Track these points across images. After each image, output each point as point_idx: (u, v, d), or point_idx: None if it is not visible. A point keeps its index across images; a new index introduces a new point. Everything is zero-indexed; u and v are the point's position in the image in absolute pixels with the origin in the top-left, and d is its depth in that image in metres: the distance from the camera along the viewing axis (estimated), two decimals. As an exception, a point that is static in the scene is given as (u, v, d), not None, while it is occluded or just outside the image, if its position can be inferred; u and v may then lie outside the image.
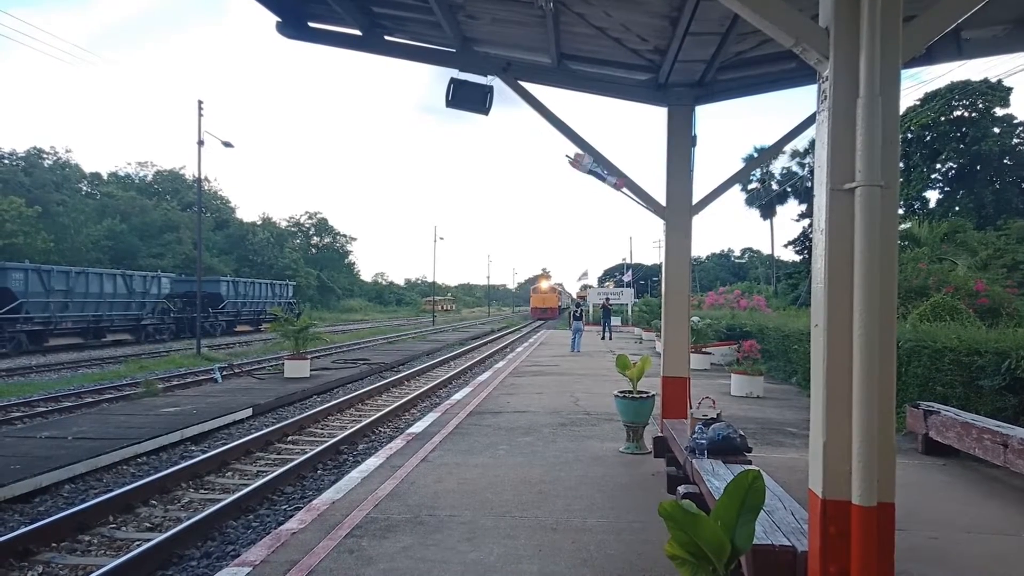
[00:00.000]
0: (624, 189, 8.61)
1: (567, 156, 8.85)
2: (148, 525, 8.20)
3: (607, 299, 46.03)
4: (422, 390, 18.78)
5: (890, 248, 3.52)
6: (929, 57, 7.22)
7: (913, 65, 7.73)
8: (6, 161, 65.09)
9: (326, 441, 12.25)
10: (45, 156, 69.29)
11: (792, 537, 4.24)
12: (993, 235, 28.62)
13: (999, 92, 42.79)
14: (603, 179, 8.91)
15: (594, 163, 8.90)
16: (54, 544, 7.41)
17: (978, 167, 43.02)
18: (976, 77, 44.22)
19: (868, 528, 3.46)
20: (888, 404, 3.52)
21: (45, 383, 20.70)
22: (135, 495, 8.85)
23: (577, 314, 31.19)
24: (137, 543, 7.41)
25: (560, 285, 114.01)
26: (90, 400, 16.84)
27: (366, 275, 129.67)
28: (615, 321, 47.90)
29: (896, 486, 3.56)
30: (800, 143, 59.21)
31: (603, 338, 38.08)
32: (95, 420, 13.39)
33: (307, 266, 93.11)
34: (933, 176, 44.93)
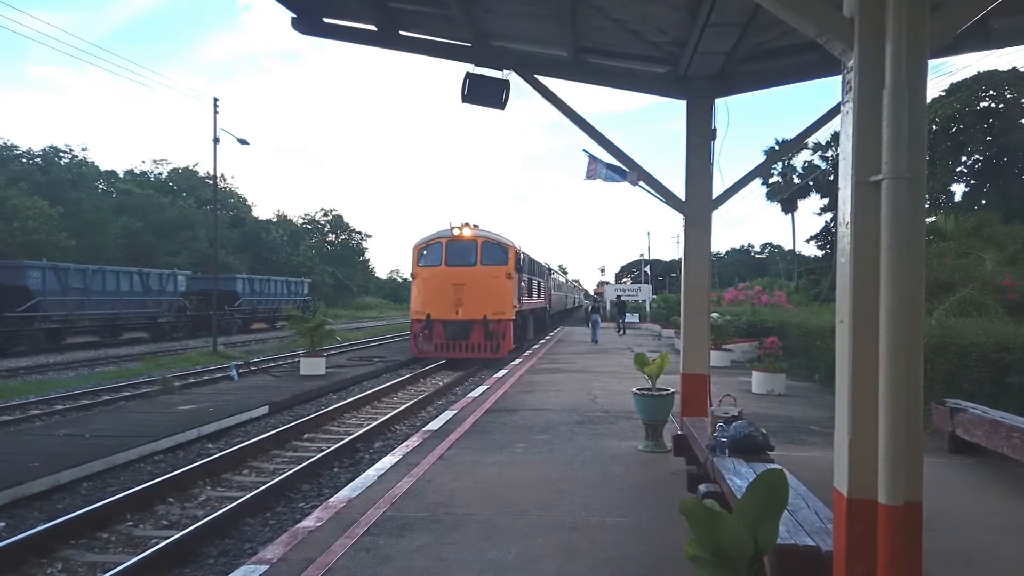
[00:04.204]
0: (641, 183, 8.54)
1: (584, 151, 8.80)
2: (165, 523, 8.21)
3: (619, 295, 48.31)
4: (438, 387, 18.77)
5: (917, 242, 3.43)
6: (956, 46, 7.08)
7: (940, 55, 7.59)
8: (23, 160, 65.60)
9: (342, 439, 12.23)
10: (62, 155, 69.79)
11: (816, 537, 4.16)
12: (1021, 229, 28.14)
13: (1028, 82, 42.14)
14: (619, 180, 8.86)
15: (609, 167, 8.84)
16: (72, 541, 7.44)
17: (1005, 159, 42.39)
18: (1004, 67, 43.66)
19: (895, 528, 3.39)
20: (915, 401, 3.44)
21: (63, 381, 20.84)
22: (152, 493, 8.87)
23: (595, 308, 35.65)
24: (155, 540, 7.41)
25: (558, 270, 62.22)
26: (107, 398, 16.92)
27: (381, 272, 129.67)
28: (634, 318, 49.39)
29: (923, 485, 3.48)
30: (822, 136, 58.76)
31: (620, 332, 39.52)
32: (112, 418, 13.44)
33: (322, 263, 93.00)
34: (959, 169, 44.30)
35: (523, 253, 28.07)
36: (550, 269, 44.02)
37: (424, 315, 24.01)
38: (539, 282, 34.90)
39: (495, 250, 24.96)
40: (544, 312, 39.00)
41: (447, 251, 24.74)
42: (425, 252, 25.10)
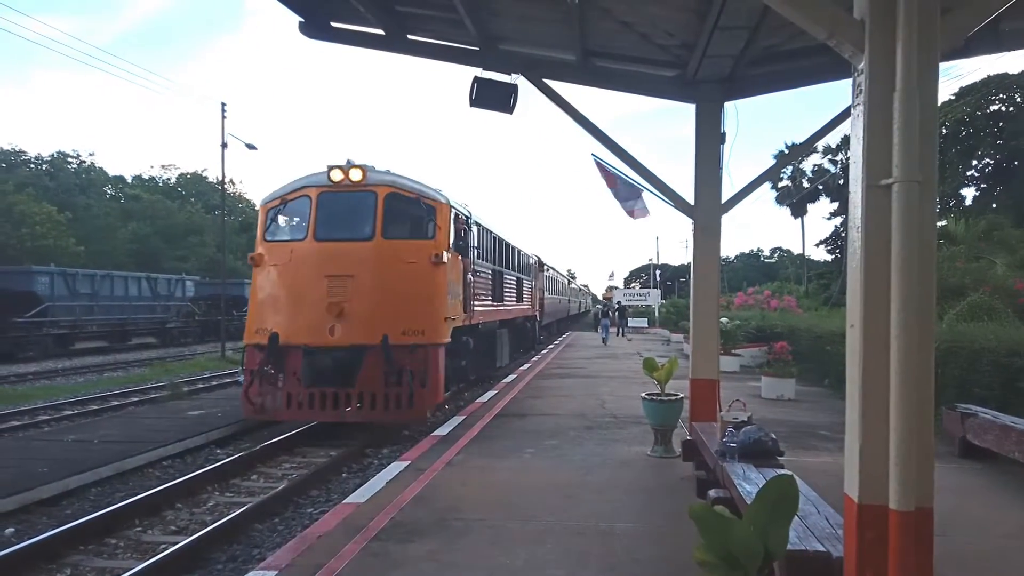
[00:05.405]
0: (649, 188, 8.56)
1: (593, 155, 8.80)
2: (174, 528, 8.20)
3: (619, 302, 50.18)
4: (445, 392, 18.68)
5: (928, 246, 3.42)
6: (967, 49, 7.05)
7: (950, 58, 7.56)
8: (32, 166, 65.94)
9: (351, 444, 12.21)
10: (70, 160, 70.13)
11: (827, 543, 4.14)
12: (1033, 232, 27.97)
13: (1039, 85, 41.91)
14: (622, 203, 8.97)
15: (621, 186, 8.94)
16: (81, 547, 7.44)
17: (1016, 162, 42.15)
18: (1014, 70, 43.47)
19: (906, 533, 3.37)
20: (926, 406, 3.43)
21: (71, 386, 20.91)
22: (161, 498, 8.87)
23: (605, 312, 38.68)
24: (163, 546, 7.39)
25: (567, 274, 64.56)
26: (115, 404, 16.95)
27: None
28: (642, 323, 51.48)
29: (934, 490, 3.46)
30: (832, 139, 58.61)
31: (620, 334, 41.68)
32: (121, 423, 13.47)
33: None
34: (969, 173, 44.09)
35: (476, 222, 16.39)
36: (541, 263, 33.08)
37: (267, 336, 12.28)
38: (519, 279, 23.93)
39: (411, 209, 13.31)
40: (531, 323, 29.07)
41: (318, 212, 12.94)
42: (280, 216, 13.76)
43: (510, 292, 22.06)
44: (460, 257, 14.28)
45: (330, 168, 12.92)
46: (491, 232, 18.78)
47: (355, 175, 12.83)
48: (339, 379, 12.16)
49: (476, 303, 15.94)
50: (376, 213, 12.76)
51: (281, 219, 13.71)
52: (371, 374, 12.02)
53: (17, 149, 66.37)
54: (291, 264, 12.77)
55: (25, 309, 29.52)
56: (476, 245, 16.24)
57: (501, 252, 20.56)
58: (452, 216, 13.78)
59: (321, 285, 12.36)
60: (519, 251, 24.71)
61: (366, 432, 12.94)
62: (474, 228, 16.03)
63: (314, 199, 12.96)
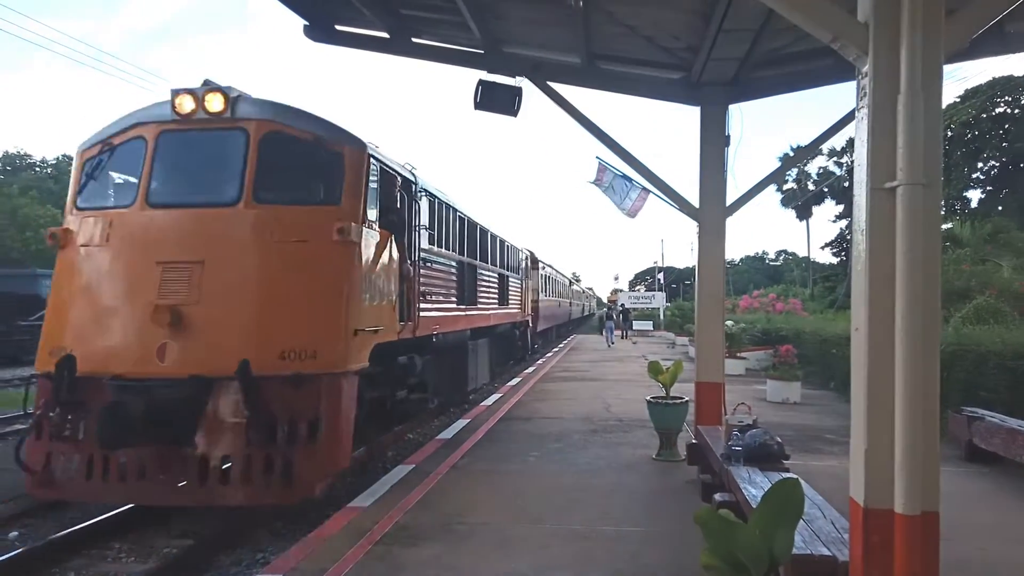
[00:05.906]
0: (653, 191, 8.57)
1: (597, 158, 8.81)
2: (178, 532, 8.17)
3: (622, 305, 53.05)
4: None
5: (933, 249, 3.41)
6: (971, 51, 7.06)
7: (955, 60, 7.55)
8: (36, 169, 66.05)
9: (356, 448, 12.15)
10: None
11: (833, 547, 4.12)
12: (1039, 235, 27.85)
13: (1044, 87, 41.77)
14: (618, 201, 8.96)
15: (616, 180, 8.93)
16: (85, 550, 7.41)
17: (1022, 165, 42.04)
18: (1019, 71, 43.34)
19: (912, 538, 3.37)
20: (932, 410, 3.42)
21: (78, 389, 20.83)
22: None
23: (610, 315, 41.13)
24: (168, 549, 7.39)
25: (572, 277, 63.39)
26: (122, 406, 16.90)
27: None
28: (648, 326, 53.02)
29: (939, 494, 3.45)
30: (837, 141, 58.42)
31: (624, 337, 43.13)
32: (127, 426, 13.41)
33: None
34: (974, 175, 43.96)
35: (426, 190, 11.25)
36: (535, 260, 27.73)
37: (60, 357, 7.62)
38: (502, 276, 19.37)
39: (304, 158, 8.36)
40: (522, 330, 24.73)
41: (155, 161, 8.25)
42: (101, 170, 8.65)
43: (489, 292, 17.26)
44: (392, 237, 9.31)
45: (175, 93, 8.18)
46: (456, 211, 13.65)
47: (214, 103, 8.07)
48: (169, 433, 7.33)
49: (426, 305, 11.09)
50: (246, 163, 7.99)
51: (104, 175, 8.74)
52: (223, 425, 7.32)
53: (22, 152, 66.60)
54: (108, 244, 8.11)
55: (29, 312, 29.46)
56: (428, 224, 11.37)
57: (476, 241, 15.82)
58: (375, 172, 8.73)
59: (150, 277, 7.68)
60: (504, 242, 19.91)
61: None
62: (424, 200, 11.07)
63: (151, 142, 8.31)
